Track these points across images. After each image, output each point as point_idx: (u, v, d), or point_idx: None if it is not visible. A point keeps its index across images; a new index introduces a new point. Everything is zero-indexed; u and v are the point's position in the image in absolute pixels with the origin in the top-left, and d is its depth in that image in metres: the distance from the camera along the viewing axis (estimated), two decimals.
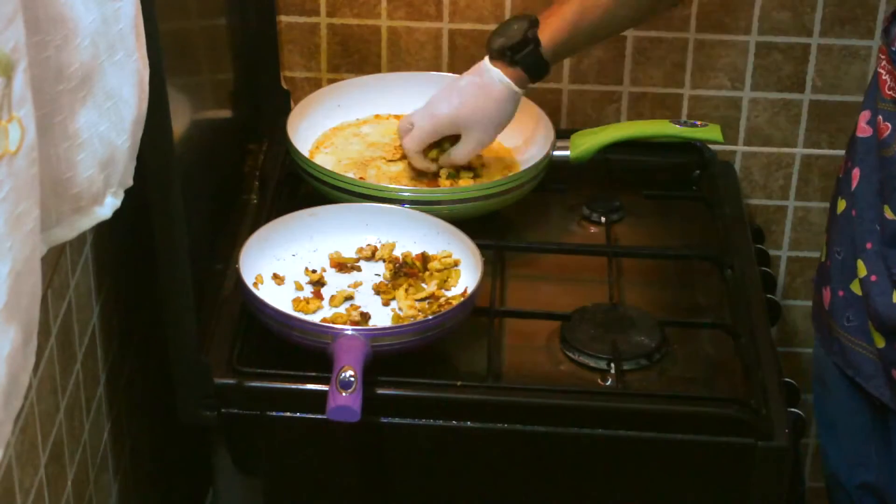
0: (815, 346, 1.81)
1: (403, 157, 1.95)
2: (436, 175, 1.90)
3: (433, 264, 1.74)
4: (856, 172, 1.68)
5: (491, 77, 1.82)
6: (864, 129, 1.67)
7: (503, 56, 1.81)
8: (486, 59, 1.84)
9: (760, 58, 2.09)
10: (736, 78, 2.11)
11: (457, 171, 1.90)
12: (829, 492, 1.84)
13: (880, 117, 1.60)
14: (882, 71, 1.60)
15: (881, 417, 1.72)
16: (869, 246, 1.64)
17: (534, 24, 1.81)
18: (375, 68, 2.12)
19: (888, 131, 1.59)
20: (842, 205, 1.72)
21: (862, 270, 1.65)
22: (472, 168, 1.92)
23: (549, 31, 1.81)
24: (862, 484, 1.77)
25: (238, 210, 1.90)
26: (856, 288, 1.68)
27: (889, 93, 1.59)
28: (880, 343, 1.64)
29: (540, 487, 1.65)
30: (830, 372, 1.76)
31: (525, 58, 1.80)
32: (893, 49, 1.58)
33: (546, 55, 1.81)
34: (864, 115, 1.68)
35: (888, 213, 1.60)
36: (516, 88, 1.82)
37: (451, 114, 1.84)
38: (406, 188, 1.85)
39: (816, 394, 1.78)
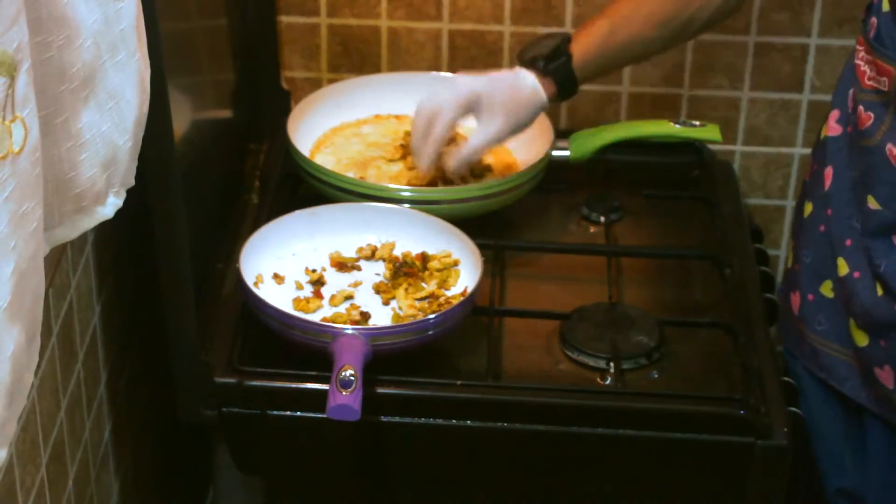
0: (784, 353, 1.81)
1: (403, 156, 1.95)
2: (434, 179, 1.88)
3: (433, 264, 1.74)
4: (828, 172, 1.68)
5: (524, 77, 1.81)
6: (833, 129, 1.69)
7: (535, 65, 1.81)
8: (518, 66, 1.83)
9: (759, 58, 2.10)
10: (735, 78, 2.11)
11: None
12: (809, 498, 1.84)
13: (861, 108, 1.61)
14: (860, 62, 1.61)
15: (856, 420, 1.72)
16: (848, 243, 1.65)
17: (566, 39, 1.81)
18: (375, 68, 2.12)
19: (870, 121, 1.60)
20: (809, 208, 1.72)
21: (843, 268, 1.65)
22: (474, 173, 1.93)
23: (580, 48, 1.80)
24: (838, 489, 1.77)
25: (238, 210, 1.90)
26: (826, 291, 1.69)
27: (869, 83, 1.60)
28: (862, 341, 1.64)
29: (540, 486, 1.66)
30: (803, 378, 1.76)
31: (557, 69, 1.80)
32: (871, 38, 1.59)
33: (577, 71, 1.80)
34: (834, 115, 1.69)
35: (872, 204, 1.61)
36: (544, 96, 1.80)
37: (478, 89, 1.79)
38: (406, 188, 1.85)
39: None
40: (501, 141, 1.83)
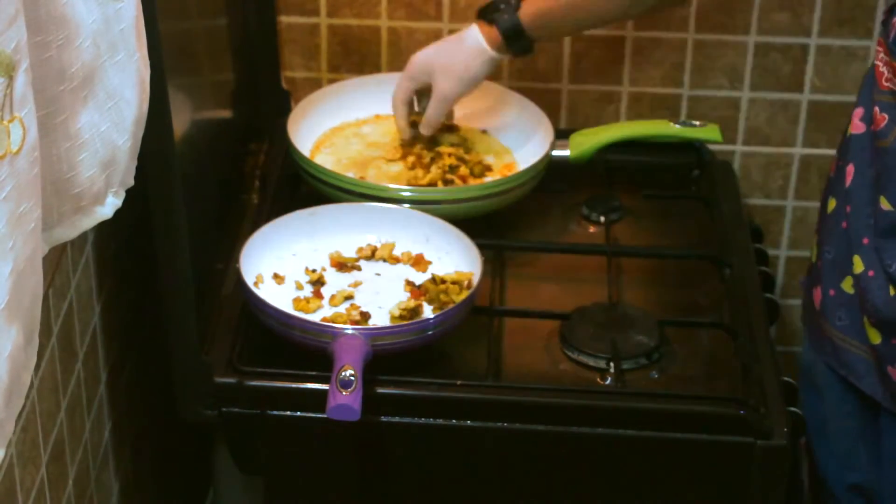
0: (804, 349, 1.82)
1: (404, 156, 1.95)
2: (413, 142, 1.95)
3: (450, 283, 1.73)
4: (850, 169, 1.69)
5: (469, 33, 1.87)
6: (857, 126, 1.68)
7: (483, 15, 1.87)
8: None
9: (759, 58, 2.10)
10: (735, 78, 2.11)
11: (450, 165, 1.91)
12: (818, 494, 1.84)
13: (877, 108, 1.61)
14: (879, 63, 1.62)
15: (872, 417, 1.73)
16: (865, 241, 1.65)
17: None
18: (375, 68, 2.12)
19: (885, 122, 1.60)
20: (832, 203, 1.73)
21: (859, 266, 1.65)
22: (465, 161, 1.93)
23: (531, 1, 1.85)
24: (851, 485, 1.77)
25: (238, 210, 1.90)
26: (847, 287, 1.69)
27: (886, 84, 1.60)
28: (876, 339, 1.65)
29: (539, 486, 1.66)
30: (821, 373, 1.76)
31: (500, 16, 1.85)
32: (891, 41, 1.59)
33: (524, 20, 1.84)
34: (858, 113, 1.69)
35: (884, 205, 1.61)
36: (486, 45, 1.86)
37: (423, 58, 1.89)
38: (406, 188, 1.85)
39: (806, 395, 1.78)
40: (456, 96, 1.90)
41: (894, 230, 1.61)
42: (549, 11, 1.84)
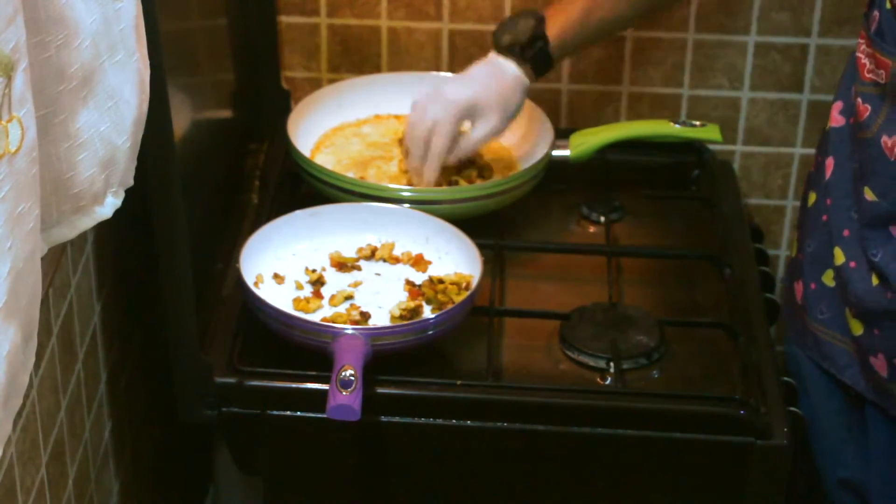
0: (786, 344, 1.82)
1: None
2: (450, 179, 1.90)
3: (448, 276, 1.73)
4: (829, 162, 1.70)
5: (502, 67, 1.85)
6: (837, 120, 1.70)
7: (512, 52, 1.85)
8: (493, 52, 1.87)
9: (759, 58, 2.10)
10: (735, 78, 2.11)
11: (458, 171, 1.91)
12: (807, 489, 1.85)
13: (859, 100, 1.62)
14: (861, 55, 1.63)
15: (858, 410, 1.73)
16: (846, 233, 1.66)
17: (541, 21, 1.85)
18: (375, 68, 2.13)
19: (867, 113, 1.61)
20: (812, 198, 1.74)
21: (840, 258, 1.66)
22: (474, 163, 1.93)
23: (556, 29, 1.85)
24: (840, 480, 1.78)
25: (238, 210, 1.90)
26: (827, 280, 1.70)
27: (868, 75, 1.61)
28: (858, 330, 1.65)
29: (539, 486, 1.66)
30: (806, 369, 1.77)
31: (534, 55, 1.84)
32: (873, 32, 1.60)
33: (553, 52, 1.85)
34: (837, 106, 1.70)
35: (868, 195, 1.62)
36: (526, 80, 1.85)
37: (470, 97, 1.83)
38: (406, 188, 1.85)
39: None
40: (500, 133, 1.87)
41: (879, 220, 1.62)
42: (568, 28, 1.85)
